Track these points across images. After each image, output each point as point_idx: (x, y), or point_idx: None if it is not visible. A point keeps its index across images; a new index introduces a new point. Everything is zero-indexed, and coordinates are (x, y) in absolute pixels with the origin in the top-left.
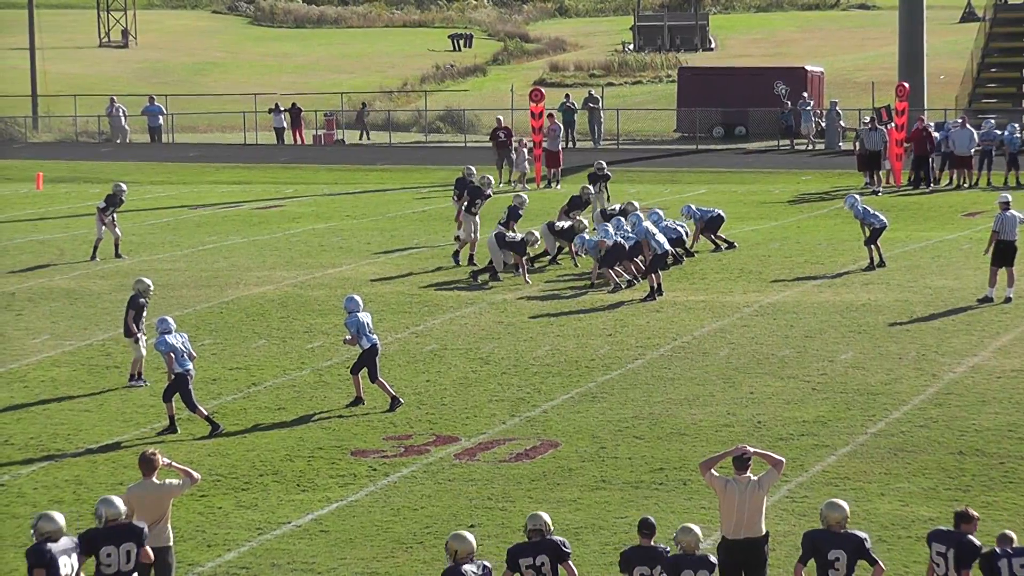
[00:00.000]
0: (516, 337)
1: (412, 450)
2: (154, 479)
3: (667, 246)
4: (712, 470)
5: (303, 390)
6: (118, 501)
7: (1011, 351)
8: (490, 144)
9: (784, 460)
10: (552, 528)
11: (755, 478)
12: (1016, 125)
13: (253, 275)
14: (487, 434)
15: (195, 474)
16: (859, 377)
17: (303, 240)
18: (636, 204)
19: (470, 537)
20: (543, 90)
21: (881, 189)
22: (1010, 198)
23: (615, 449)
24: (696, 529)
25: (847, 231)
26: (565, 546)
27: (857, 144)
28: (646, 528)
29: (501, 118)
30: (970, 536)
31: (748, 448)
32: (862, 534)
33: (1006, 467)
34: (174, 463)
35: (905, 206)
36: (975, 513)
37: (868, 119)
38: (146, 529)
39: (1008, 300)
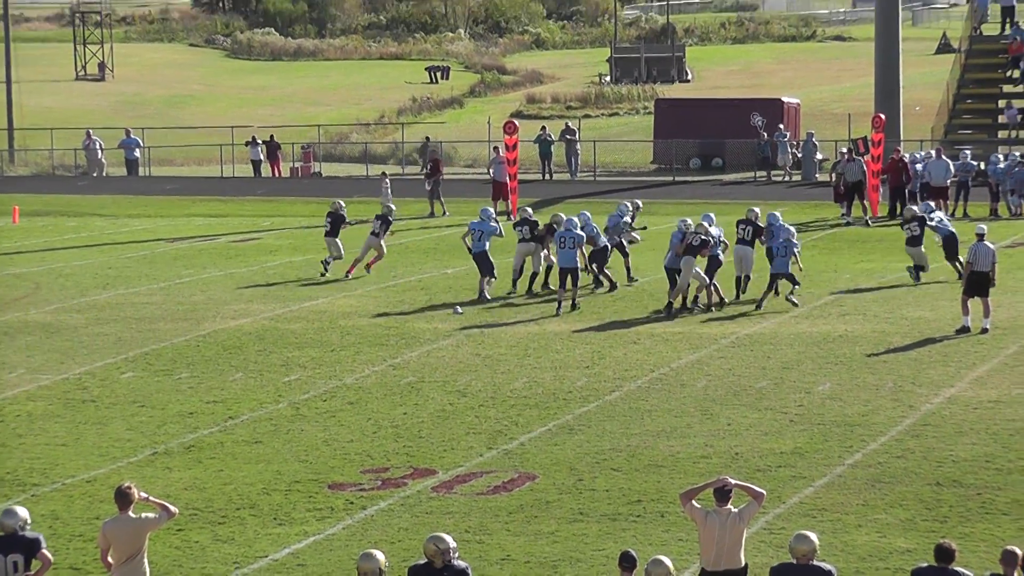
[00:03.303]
0: (493, 369)
1: (389, 483)
2: (130, 513)
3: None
4: (693, 501)
5: (280, 423)
6: (21, 512)
7: (987, 382)
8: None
9: (765, 493)
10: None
11: (735, 510)
12: (1000, 155)
13: (230, 308)
14: (464, 467)
15: (172, 508)
16: (836, 408)
17: (280, 273)
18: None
19: (378, 555)
20: (516, 122)
21: (852, 219)
22: (985, 229)
23: (593, 481)
24: (667, 561)
25: (823, 262)
26: None
27: (833, 175)
28: (627, 561)
29: (435, 149)
30: (958, 569)
31: (730, 480)
32: (829, 567)
33: (983, 498)
34: (151, 498)
35: (881, 237)
36: (955, 546)
37: (845, 150)
38: (41, 539)
39: (985, 331)
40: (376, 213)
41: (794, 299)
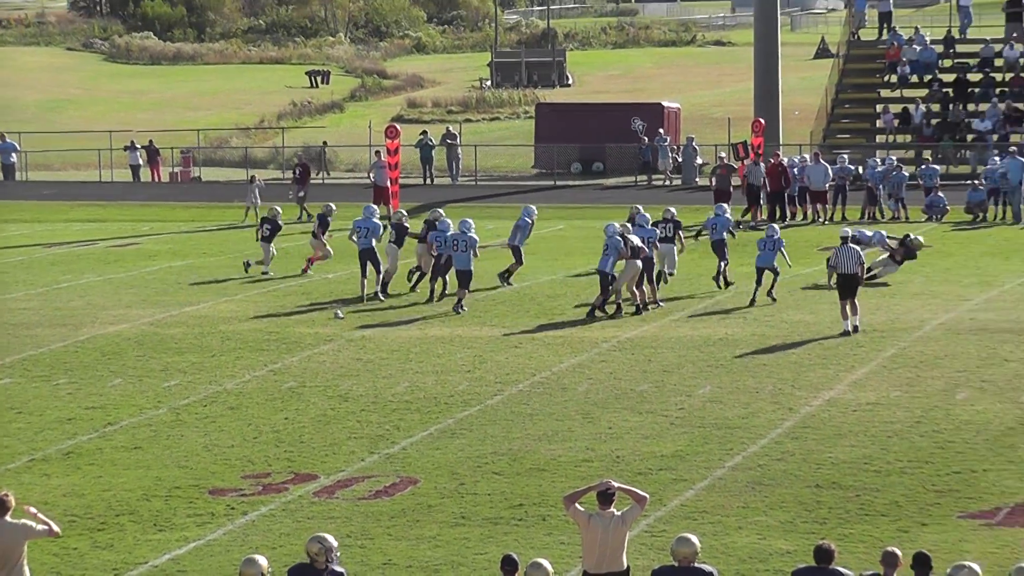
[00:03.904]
0: (375, 374)
1: (270, 488)
2: (8, 519)
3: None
4: (576, 504)
5: (160, 429)
6: None
7: (866, 385)
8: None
9: (648, 496)
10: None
11: (618, 513)
12: (878, 159)
13: (109, 313)
14: (346, 471)
15: (57, 528)
16: (716, 411)
17: (159, 278)
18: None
19: (261, 561)
20: (397, 126)
21: (754, 222)
22: (851, 232)
23: (474, 485)
24: (546, 564)
25: (704, 265)
26: None
27: (713, 179)
28: (508, 565)
29: (302, 154)
30: (838, 568)
31: (613, 483)
32: (710, 568)
33: (862, 500)
34: (40, 514)
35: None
36: (834, 546)
37: (724, 155)
38: None
39: (856, 329)
40: (318, 212)
41: (774, 295)
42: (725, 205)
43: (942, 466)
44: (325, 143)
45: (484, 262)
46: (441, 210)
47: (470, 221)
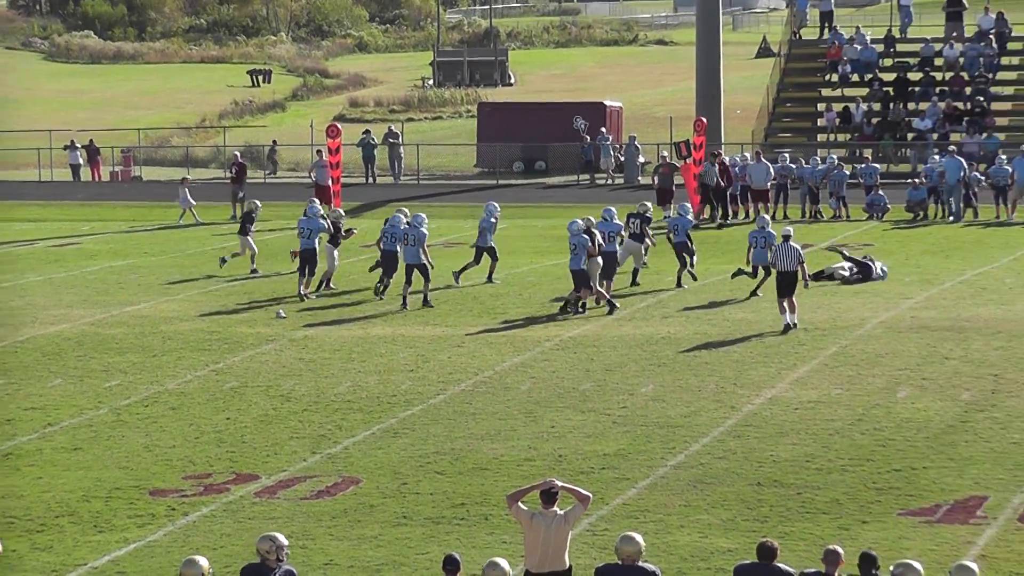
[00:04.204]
0: (317, 374)
1: (212, 489)
2: None
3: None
4: (519, 503)
5: (100, 429)
6: None
7: (808, 383)
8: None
9: (591, 496)
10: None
11: (561, 512)
12: (818, 158)
13: (49, 313)
14: (288, 471)
15: None
16: (659, 410)
17: (100, 278)
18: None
19: (202, 561)
20: (339, 126)
21: (696, 221)
22: (791, 231)
23: (416, 485)
24: (503, 564)
25: (652, 265)
26: None
27: (656, 178)
28: (450, 564)
29: (238, 153)
30: (780, 566)
31: (556, 482)
32: (653, 567)
33: (803, 497)
34: None
35: (703, 239)
36: (777, 544)
37: (666, 153)
38: None
39: (794, 325)
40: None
41: (759, 292)
42: (688, 205)
43: (883, 464)
44: (275, 142)
45: (436, 261)
46: (406, 208)
47: (423, 216)
